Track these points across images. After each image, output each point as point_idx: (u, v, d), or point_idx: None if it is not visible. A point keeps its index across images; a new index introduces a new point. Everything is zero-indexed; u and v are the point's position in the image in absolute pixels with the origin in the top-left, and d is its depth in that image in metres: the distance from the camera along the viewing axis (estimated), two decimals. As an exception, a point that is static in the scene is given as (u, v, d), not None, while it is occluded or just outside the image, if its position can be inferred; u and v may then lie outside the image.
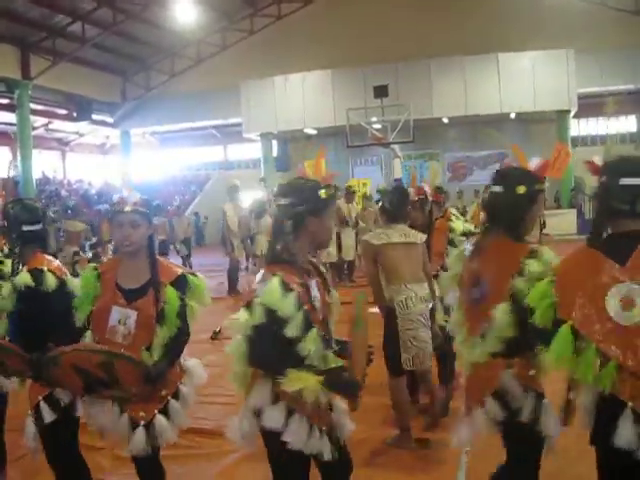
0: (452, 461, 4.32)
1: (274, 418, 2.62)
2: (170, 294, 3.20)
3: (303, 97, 24.36)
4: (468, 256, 3.05)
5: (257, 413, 2.70)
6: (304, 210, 2.68)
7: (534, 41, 22.54)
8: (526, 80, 22.20)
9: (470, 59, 22.77)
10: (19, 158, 23.82)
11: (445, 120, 24.61)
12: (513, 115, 23.81)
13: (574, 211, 23.11)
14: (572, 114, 23.57)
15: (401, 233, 4.65)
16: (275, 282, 2.54)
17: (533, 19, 23.44)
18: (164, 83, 28.71)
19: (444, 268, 4.76)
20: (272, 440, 2.66)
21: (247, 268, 13.75)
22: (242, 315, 2.62)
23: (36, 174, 25.17)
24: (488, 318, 2.76)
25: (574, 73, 22.07)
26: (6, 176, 26.57)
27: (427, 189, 5.33)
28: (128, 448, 3.15)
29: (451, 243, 5.16)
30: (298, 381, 2.51)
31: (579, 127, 26.87)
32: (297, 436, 2.60)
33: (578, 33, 22.70)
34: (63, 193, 27.19)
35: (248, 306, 2.61)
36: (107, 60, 26.63)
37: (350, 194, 14.01)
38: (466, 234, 5.32)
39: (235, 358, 2.77)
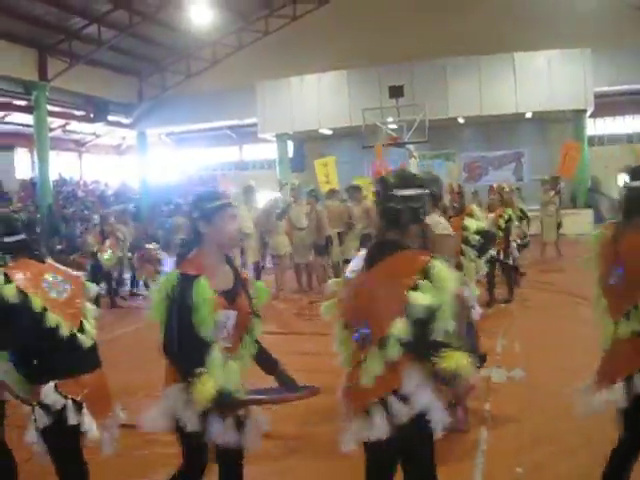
0: (467, 459, 4.32)
1: None
2: (259, 287, 3.34)
3: (318, 97, 24.38)
4: (603, 240, 3.26)
5: None
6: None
7: (550, 40, 22.43)
8: (542, 80, 22.08)
9: (486, 59, 22.68)
10: (36, 160, 24.00)
11: (461, 120, 24.53)
12: (529, 115, 23.70)
13: (590, 211, 22.95)
14: (588, 113, 23.41)
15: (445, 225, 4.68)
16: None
17: (549, 18, 23.31)
18: (180, 84, 28.82)
19: (459, 267, 4.76)
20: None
21: (263, 267, 13.67)
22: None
23: (53, 175, 25.34)
24: (632, 300, 2.95)
25: (590, 72, 21.92)
26: (26, 178, 26.83)
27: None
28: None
29: (465, 241, 5.14)
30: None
31: (595, 126, 26.67)
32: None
33: (594, 32, 22.55)
34: (80, 194, 27.36)
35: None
36: (123, 62, 26.77)
37: (356, 193, 13.65)
38: (480, 232, 5.31)
39: None
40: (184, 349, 2.88)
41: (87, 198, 26.53)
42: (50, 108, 23.91)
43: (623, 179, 3.28)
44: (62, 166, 29.50)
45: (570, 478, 3.92)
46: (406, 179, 2.87)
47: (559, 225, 15.47)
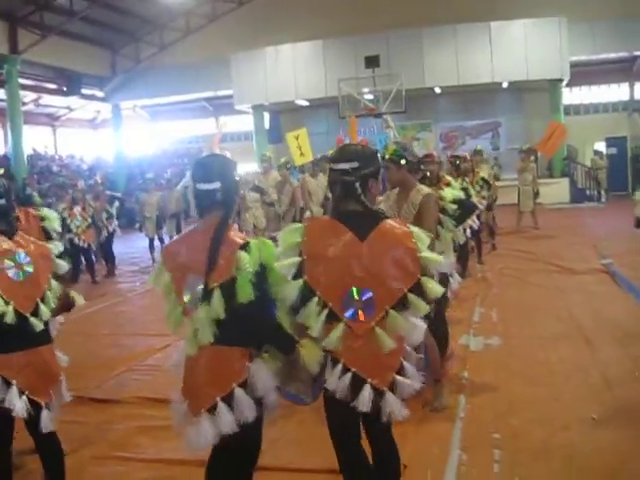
0: (446, 425, 4.38)
1: None
2: None
3: (294, 68, 24.18)
4: None
5: None
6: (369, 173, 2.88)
7: (526, 9, 22.40)
8: (518, 49, 22.05)
9: (462, 28, 22.58)
10: (9, 134, 23.65)
11: (437, 90, 24.51)
12: (505, 84, 23.70)
13: (567, 180, 23.13)
14: (565, 83, 23.48)
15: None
16: None
17: (525, -14, 23.32)
18: (154, 55, 28.42)
19: (436, 236, 4.80)
20: None
21: None
22: None
23: (27, 150, 25.01)
24: None
25: (566, 41, 21.93)
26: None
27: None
28: None
29: (442, 211, 5.17)
30: None
31: (571, 95, 26.77)
32: None
33: (570, 1, 22.58)
34: (54, 169, 27.06)
35: None
36: (96, 33, 26.30)
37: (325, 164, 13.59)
38: (456, 202, 5.35)
39: None
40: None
41: (62, 172, 26.21)
42: (22, 81, 23.50)
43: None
44: (36, 141, 29.13)
45: (546, 444, 4.00)
46: (347, 155, 2.92)
47: (536, 194, 15.54)
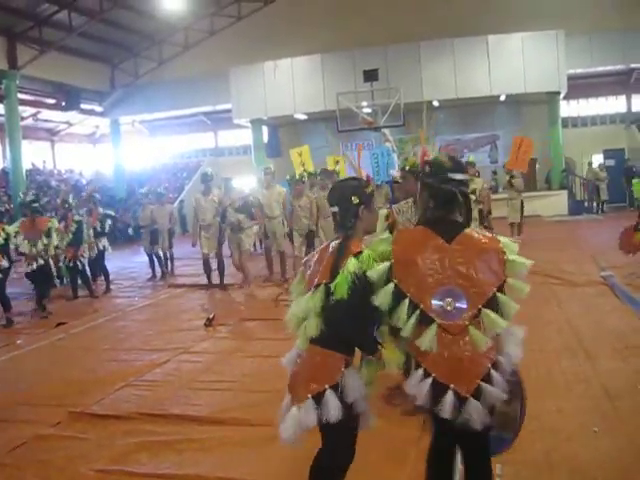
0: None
1: None
2: None
3: (293, 82, 24.28)
4: None
5: None
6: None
7: (524, 23, 22.54)
8: (516, 62, 22.18)
9: (460, 41, 22.71)
10: (8, 149, 23.70)
11: (435, 103, 24.58)
12: (503, 97, 23.80)
13: (565, 192, 23.17)
14: (562, 95, 23.57)
15: None
16: None
17: (522, 0, 23.45)
18: (152, 70, 28.54)
19: None
20: None
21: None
22: None
23: (26, 164, 25.06)
24: None
25: (564, 55, 22.04)
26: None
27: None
28: None
29: None
30: None
31: (569, 108, 26.87)
32: None
33: (568, 14, 22.72)
34: (53, 183, 27.09)
35: None
36: (94, 48, 26.43)
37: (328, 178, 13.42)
38: None
39: None
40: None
41: (61, 187, 26.23)
42: (21, 96, 23.61)
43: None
44: (35, 155, 29.19)
45: (549, 456, 3.98)
46: (458, 165, 3.06)
47: (522, 207, 15.85)
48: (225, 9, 26.95)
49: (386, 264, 2.89)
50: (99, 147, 34.59)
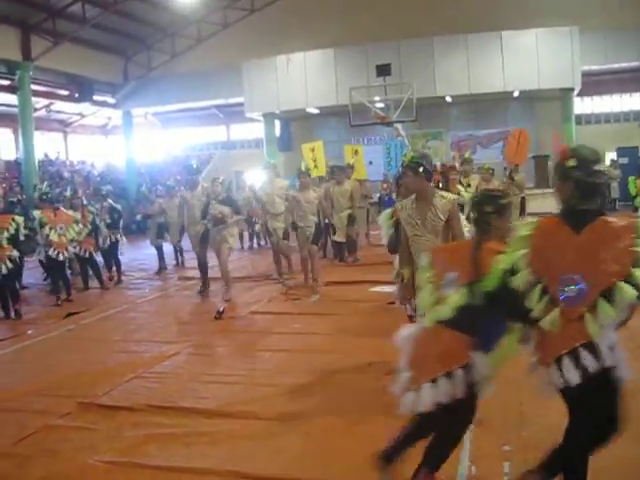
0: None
1: None
2: None
3: (305, 76, 24.24)
4: None
5: None
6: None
7: (538, 19, 22.38)
8: (530, 58, 22.03)
9: (473, 37, 22.60)
10: (21, 139, 23.80)
11: (448, 99, 24.50)
12: (517, 93, 23.67)
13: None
14: (576, 92, 23.42)
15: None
16: None
17: (537, -4, 23.32)
18: (165, 63, 28.52)
19: None
20: None
21: None
22: None
23: (38, 156, 25.15)
24: None
25: (578, 51, 21.89)
26: (11, 158, 26.67)
27: None
28: None
29: None
30: None
31: (583, 105, 26.71)
32: None
33: (582, 10, 22.53)
34: (65, 174, 27.18)
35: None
36: (108, 40, 26.44)
37: (340, 173, 13.29)
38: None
39: None
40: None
41: (73, 178, 26.33)
42: (34, 88, 23.66)
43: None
44: (47, 146, 29.30)
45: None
46: (598, 155, 3.19)
47: (522, 205, 15.15)
48: (238, 2, 26.86)
49: (523, 251, 3.10)
50: (111, 139, 34.68)
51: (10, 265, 9.39)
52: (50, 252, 10.51)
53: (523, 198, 15.18)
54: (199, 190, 10.43)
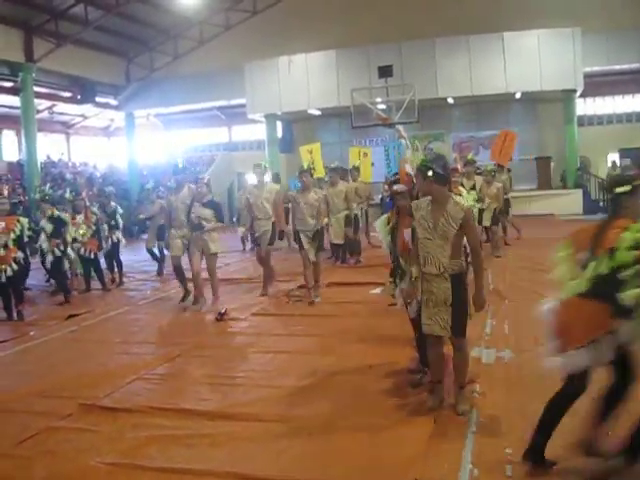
0: (457, 439, 4.33)
1: None
2: None
3: (307, 78, 24.25)
4: None
5: None
6: None
7: (540, 20, 22.38)
8: (532, 59, 22.02)
9: (475, 38, 22.59)
10: (23, 141, 23.84)
11: (450, 100, 24.49)
12: (519, 95, 23.66)
13: (580, 191, 23.02)
14: (578, 94, 23.41)
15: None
16: None
17: (538, -3, 23.31)
18: (168, 65, 28.55)
19: None
20: None
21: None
22: None
23: (41, 157, 25.19)
24: None
25: (580, 52, 21.87)
26: (13, 160, 26.71)
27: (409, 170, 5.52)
28: None
29: None
30: None
31: (585, 106, 26.69)
32: None
33: (584, 11, 22.53)
34: (67, 176, 27.21)
35: None
36: (110, 42, 26.48)
37: (335, 174, 13.10)
38: None
39: None
40: None
41: (75, 180, 26.35)
42: (37, 89, 23.70)
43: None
44: (50, 148, 29.33)
45: (559, 458, 3.95)
46: None
47: (507, 207, 14.65)
48: (240, 4, 26.89)
49: None
50: (113, 140, 34.71)
51: (15, 267, 9.41)
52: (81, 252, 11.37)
53: (507, 200, 14.67)
54: (185, 192, 9.90)
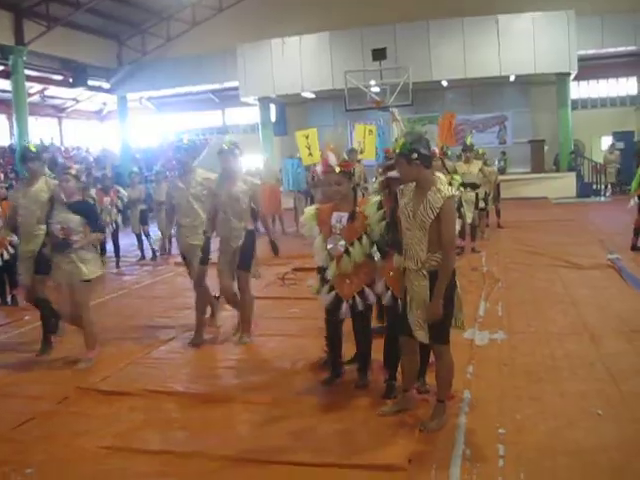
0: (450, 420, 4.36)
1: None
2: None
3: (300, 60, 24.12)
4: None
5: None
6: None
7: (534, 2, 22.29)
8: (526, 42, 21.94)
9: (469, 21, 22.48)
10: (15, 125, 23.69)
11: (444, 83, 24.43)
12: (513, 78, 23.60)
13: (573, 174, 23.04)
14: (572, 77, 23.37)
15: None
16: None
17: (533, -21, 23.18)
18: (160, 47, 28.36)
19: None
20: None
21: None
22: None
23: (33, 141, 25.03)
24: None
25: (575, 35, 21.80)
26: (5, 144, 26.54)
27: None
28: None
29: None
30: None
31: (579, 89, 26.65)
32: None
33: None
34: (60, 160, 27.06)
35: None
36: (102, 24, 26.26)
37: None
38: None
39: None
40: None
41: (68, 164, 26.19)
42: (28, 73, 23.51)
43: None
44: (42, 132, 29.15)
45: (551, 439, 3.99)
46: None
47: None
48: (233, -15, 26.73)
49: None
50: (106, 124, 34.53)
51: (12, 250, 9.37)
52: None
53: (497, 185, 14.60)
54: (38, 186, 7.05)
